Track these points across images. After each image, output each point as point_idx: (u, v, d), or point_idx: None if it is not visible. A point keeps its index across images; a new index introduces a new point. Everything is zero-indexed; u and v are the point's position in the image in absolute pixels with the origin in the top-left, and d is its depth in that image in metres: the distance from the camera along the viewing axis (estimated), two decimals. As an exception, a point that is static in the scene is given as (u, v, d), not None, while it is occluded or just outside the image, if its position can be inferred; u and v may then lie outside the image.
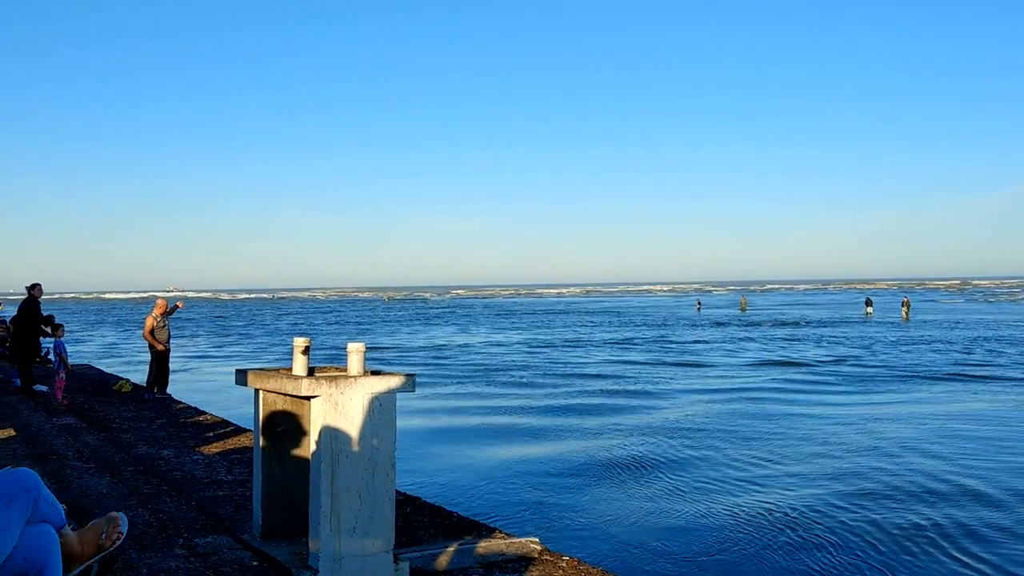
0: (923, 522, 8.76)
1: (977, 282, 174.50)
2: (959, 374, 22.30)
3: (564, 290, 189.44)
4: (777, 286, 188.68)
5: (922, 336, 36.21)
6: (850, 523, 8.72)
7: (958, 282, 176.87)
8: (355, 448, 4.69)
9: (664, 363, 26.28)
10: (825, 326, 45.94)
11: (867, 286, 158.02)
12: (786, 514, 9.03)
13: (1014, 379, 21.11)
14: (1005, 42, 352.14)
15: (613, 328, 47.80)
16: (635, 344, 34.74)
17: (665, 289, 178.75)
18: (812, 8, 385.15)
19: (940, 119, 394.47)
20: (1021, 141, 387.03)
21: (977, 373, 22.45)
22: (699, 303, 77.57)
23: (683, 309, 75.83)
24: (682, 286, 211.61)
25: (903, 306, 54.16)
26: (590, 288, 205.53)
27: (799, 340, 35.54)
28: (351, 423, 4.67)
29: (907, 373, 22.57)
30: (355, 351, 4.86)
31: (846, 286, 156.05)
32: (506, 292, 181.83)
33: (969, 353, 27.96)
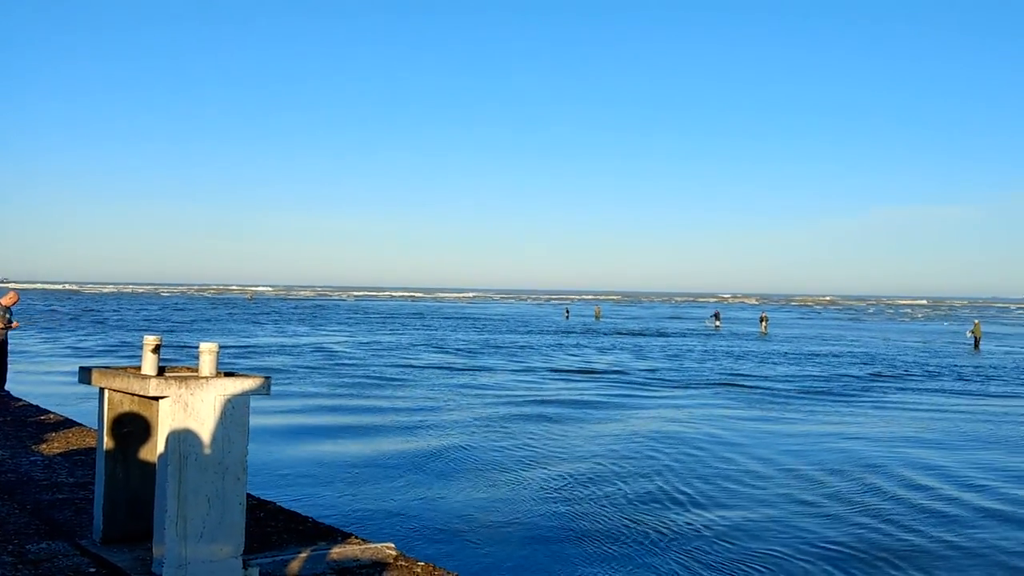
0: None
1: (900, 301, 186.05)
2: (668, 382, 24.20)
3: (458, 295, 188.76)
4: (707, 298, 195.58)
5: (734, 349, 38.10)
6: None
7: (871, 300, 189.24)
8: (205, 451, 4.57)
9: (443, 367, 27.30)
10: (655, 336, 48.28)
11: (799, 303, 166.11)
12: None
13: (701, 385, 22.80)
14: (881, 65, 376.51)
15: (460, 331, 48.78)
16: (447, 348, 35.65)
17: (576, 298, 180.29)
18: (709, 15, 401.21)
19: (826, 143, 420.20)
20: (877, 169, 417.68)
21: (684, 382, 24.39)
22: (567, 311, 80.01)
23: (554, 316, 77.88)
24: (608, 295, 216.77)
25: (761, 321, 57.22)
26: (483, 294, 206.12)
27: (595, 348, 37.56)
28: (201, 425, 4.55)
29: (629, 380, 24.37)
30: (207, 351, 4.74)
31: (763, 302, 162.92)
32: (400, 294, 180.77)
33: (743, 363, 29.82)
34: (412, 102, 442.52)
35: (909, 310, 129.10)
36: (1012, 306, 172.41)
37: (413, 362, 28.60)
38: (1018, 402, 21.00)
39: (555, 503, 10.06)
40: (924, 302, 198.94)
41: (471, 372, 25.69)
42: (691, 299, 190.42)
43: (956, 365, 31.34)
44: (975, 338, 43.34)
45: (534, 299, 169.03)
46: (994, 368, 30.45)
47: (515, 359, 30.89)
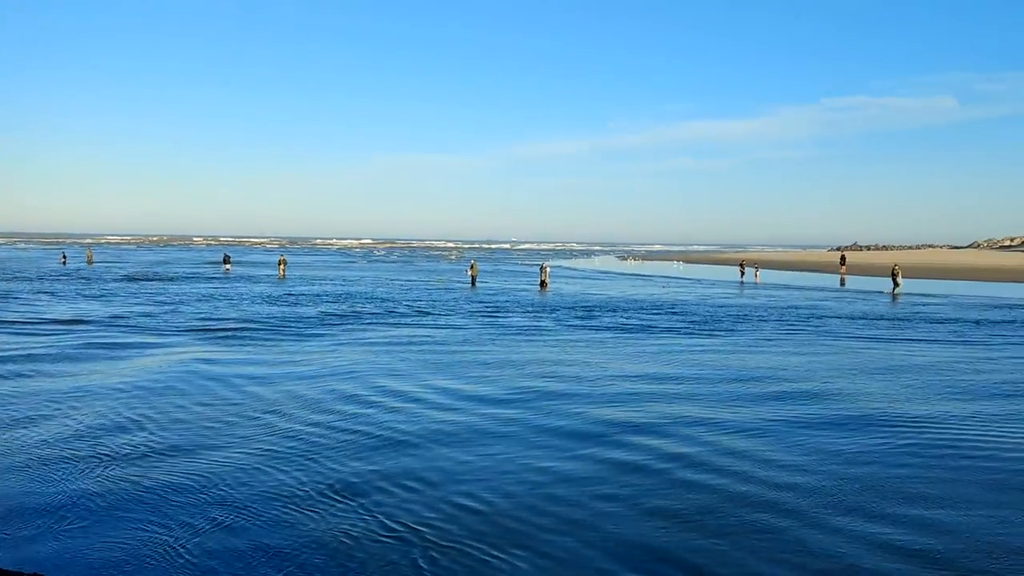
0: None
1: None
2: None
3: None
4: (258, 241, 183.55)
5: (231, 292, 36.59)
6: None
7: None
8: None
9: None
10: (150, 281, 44.73)
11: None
12: None
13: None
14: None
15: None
16: None
17: (89, 242, 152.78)
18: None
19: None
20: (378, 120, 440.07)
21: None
22: (64, 256, 69.58)
23: (47, 261, 67.91)
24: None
25: (280, 264, 55.65)
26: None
27: (63, 296, 33.32)
28: None
29: (86, 329, 22.53)
30: None
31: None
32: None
33: (226, 305, 29.18)
34: None
35: (443, 252, 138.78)
36: (510, 247, 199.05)
37: None
38: (447, 331, 23.00)
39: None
40: (452, 244, 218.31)
41: None
42: (214, 241, 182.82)
43: (425, 301, 33.23)
44: (472, 276, 47.20)
45: (24, 243, 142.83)
46: (460, 301, 32.98)
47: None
